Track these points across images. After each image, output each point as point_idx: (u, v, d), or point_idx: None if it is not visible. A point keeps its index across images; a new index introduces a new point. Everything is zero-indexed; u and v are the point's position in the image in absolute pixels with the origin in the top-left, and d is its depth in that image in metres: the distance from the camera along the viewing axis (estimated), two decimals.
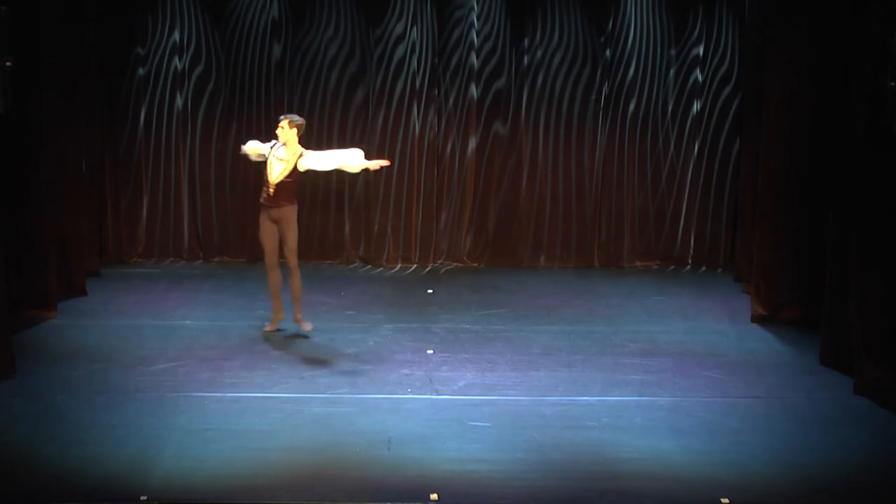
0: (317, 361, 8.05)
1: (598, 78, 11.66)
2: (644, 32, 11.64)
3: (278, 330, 8.79)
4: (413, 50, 11.54)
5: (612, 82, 11.69)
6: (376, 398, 7.27)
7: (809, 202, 8.98)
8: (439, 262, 11.81)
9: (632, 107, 11.72)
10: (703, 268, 11.84)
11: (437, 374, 7.82)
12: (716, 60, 11.68)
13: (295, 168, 8.47)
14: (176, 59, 11.55)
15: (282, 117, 8.58)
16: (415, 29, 11.52)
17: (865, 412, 7.16)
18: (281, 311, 8.82)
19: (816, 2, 8.73)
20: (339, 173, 10.12)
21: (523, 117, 11.70)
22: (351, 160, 8.52)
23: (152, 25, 11.46)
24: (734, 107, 11.68)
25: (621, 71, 11.67)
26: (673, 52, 11.71)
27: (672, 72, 11.72)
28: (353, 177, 11.74)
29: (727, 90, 11.70)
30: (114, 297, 9.94)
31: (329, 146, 11.61)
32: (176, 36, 11.52)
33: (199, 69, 11.58)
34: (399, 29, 11.53)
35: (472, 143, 11.74)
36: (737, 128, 11.66)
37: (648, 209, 11.86)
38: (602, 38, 11.64)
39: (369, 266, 11.71)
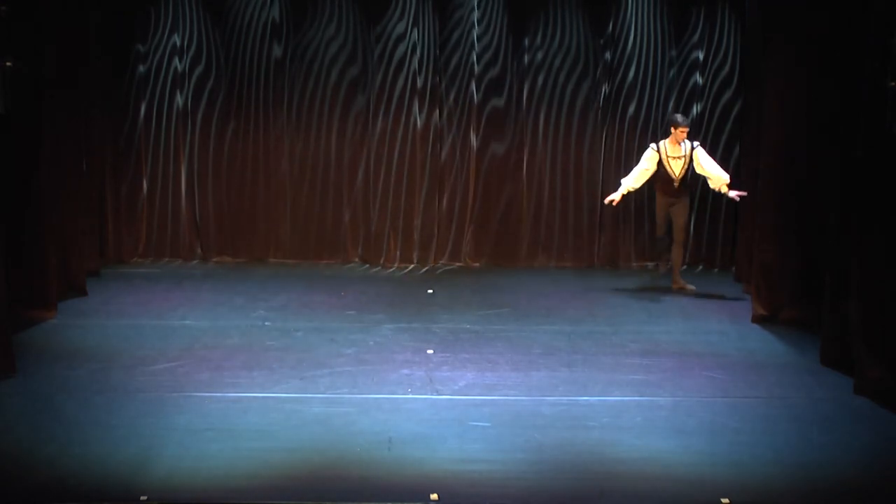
0: (317, 361, 8.04)
1: (598, 79, 11.66)
2: (645, 34, 11.63)
3: None
4: (414, 50, 11.54)
5: (613, 83, 11.69)
6: (376, 398, 7.25)
7: (809, 202, 8.97)
8: (440, 261, 11.81)
9: (632, 108, 11.72)
10: (703, 267, 11.85)
11: (437, 374, 7.82)
12: (717, 62, 11.68)
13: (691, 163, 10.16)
14: (176, 59, 11.56)
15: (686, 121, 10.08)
16: (415, 29, 11.52)
17: (866, 412, 7.14)
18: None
19: (816, 2, 8.72)
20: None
21: (524, 117, 11.70)
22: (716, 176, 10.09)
23: (154, 22, 11.47)
24: (735, 108, 11.68)
25: (621, 72, 11.67)
26: (673, 53, 11.71)
27: (672, 73, 11.72)
28: (353, 175, 11.77)
29: (728, 91, 11.71)
30: (114, 297, 9.94)
31: (329, 144, 11.68)
32: (176, 35, 11.52)
33: (199, 68, 11.59)
34: (400, 29, 11.54)
35: (473, 143, 11.74)
36: (737, 128, 11.66)
37: (648, 209, 11.85)
38: (602, 40, 11.64)
39: (369, 266, 11.71)
